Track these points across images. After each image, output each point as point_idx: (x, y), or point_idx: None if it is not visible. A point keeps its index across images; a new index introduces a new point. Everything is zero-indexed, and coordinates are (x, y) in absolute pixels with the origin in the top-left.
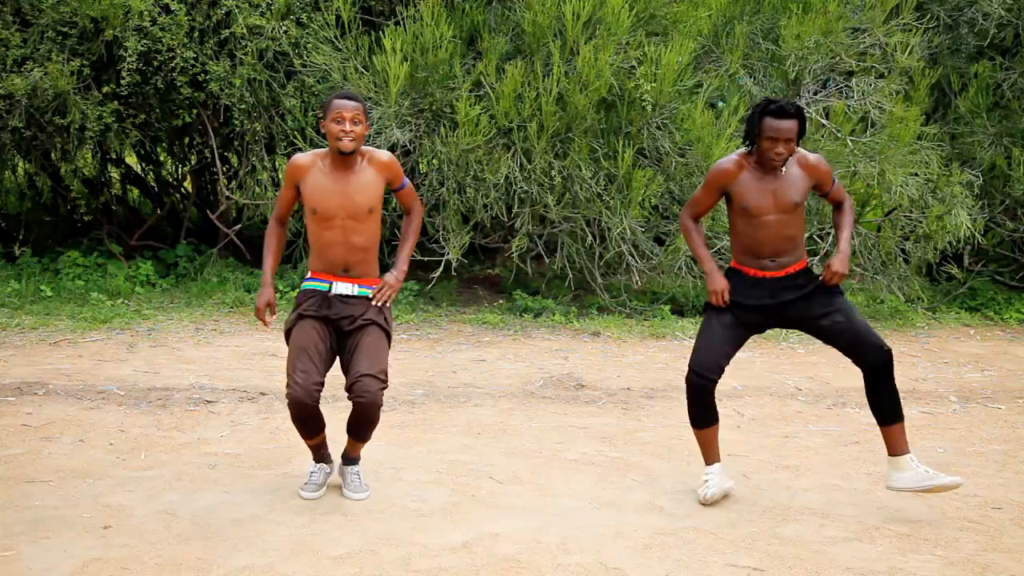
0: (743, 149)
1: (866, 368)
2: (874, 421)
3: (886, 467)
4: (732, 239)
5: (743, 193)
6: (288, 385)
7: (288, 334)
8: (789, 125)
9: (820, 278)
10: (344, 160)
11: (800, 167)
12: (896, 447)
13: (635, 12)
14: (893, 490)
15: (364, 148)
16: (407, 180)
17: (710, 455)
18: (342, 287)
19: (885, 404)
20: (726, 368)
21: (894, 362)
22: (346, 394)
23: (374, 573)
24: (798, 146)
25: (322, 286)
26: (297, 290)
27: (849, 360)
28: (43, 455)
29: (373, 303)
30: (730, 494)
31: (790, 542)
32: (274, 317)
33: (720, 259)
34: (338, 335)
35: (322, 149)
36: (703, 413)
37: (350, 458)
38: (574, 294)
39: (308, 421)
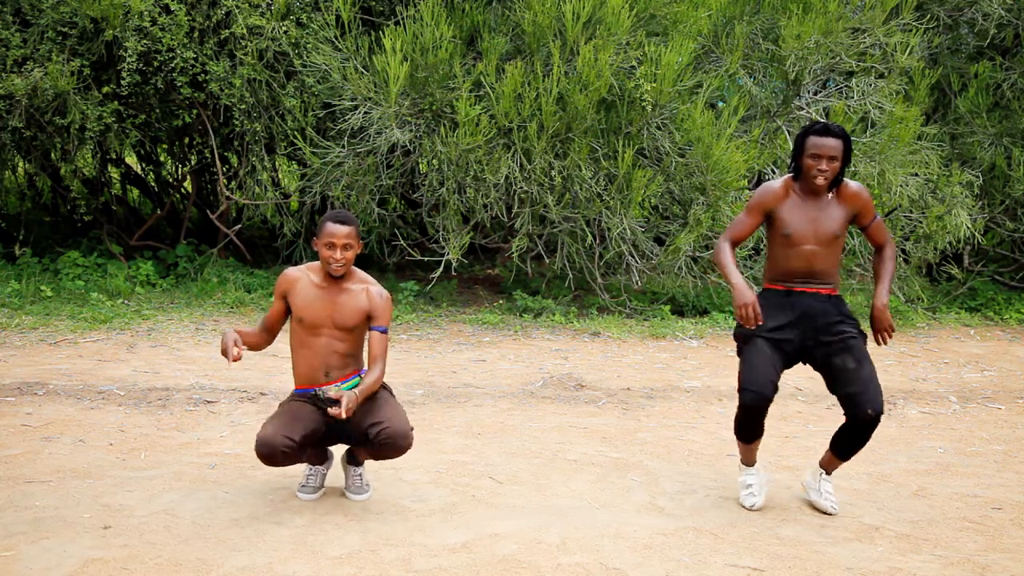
0: (789, 175)
1: (850, 419)
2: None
3: (814, 465)
4: (767, 263)
5: (785, 218)
6: (257, 436)
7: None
8: (833, 143)
9: (859, 329)
10: (335, 278)
11: (840, 196)
12: (825, 463)
13: (635, 12)
14: (802, 484)
15: (366, 277)
16: (387, 328)
17: (751, 458)
18: (326, 389)
19: (847, 448)
20: (778, 388)
21: (878, 422)
22: (369, 437)
23: (374, 573)
24: (843, 175)
25: (308, 393)
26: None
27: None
28: (43, 455)
29: (344, 413)
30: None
31: (790, 542)
32: (239, 350)
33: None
34: (334, 424)
35: (313, 263)
36: (753, 430)
37: (357, 460)
38: (574, 294)
39: (277, 464)
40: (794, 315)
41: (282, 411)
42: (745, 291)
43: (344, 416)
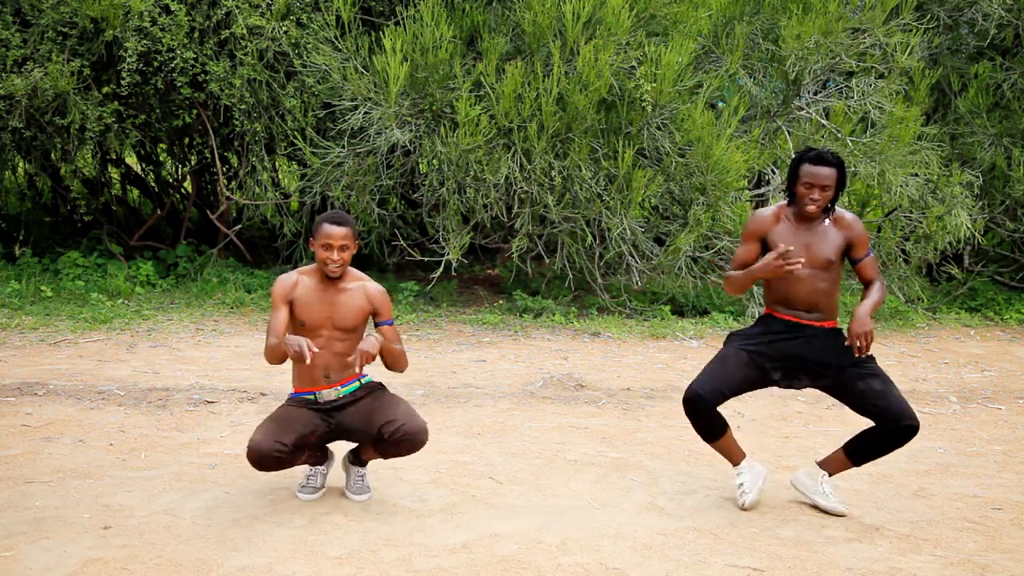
0: (783, 202)
1: (887, 430)
2: (874, 423)
3: (807, 465)
4: (765, 290)
5: (777, 244)
6: (248, 442)
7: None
8: (827, 172)
9: (848, 346)
10: (332, 278)
11: (835, 225)
12: (829, 465)
13: (635, 12)
14: (792, 483)
15: (359, 275)
16: (394, 321)
17: (733, 456)
18: (326, 394)
19: (868, 453)
20: (728, 400)
21: (916, 432)
22: (384, 436)
23: (374, 573)
24: (835, 202)
25: (307, 396)
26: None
27: (870, 420)
28: (43, 455)
29: (358, 369)
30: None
31: (790, 542)
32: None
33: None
34: (338, 425)
35: (306, 267)
36: (707, 429)
37: (361, 460)
38: (574, 294)
39: (270, 468)
40: (799, 346)
41: (275, 415)
42: (769, 257)
43: (372, 356)
